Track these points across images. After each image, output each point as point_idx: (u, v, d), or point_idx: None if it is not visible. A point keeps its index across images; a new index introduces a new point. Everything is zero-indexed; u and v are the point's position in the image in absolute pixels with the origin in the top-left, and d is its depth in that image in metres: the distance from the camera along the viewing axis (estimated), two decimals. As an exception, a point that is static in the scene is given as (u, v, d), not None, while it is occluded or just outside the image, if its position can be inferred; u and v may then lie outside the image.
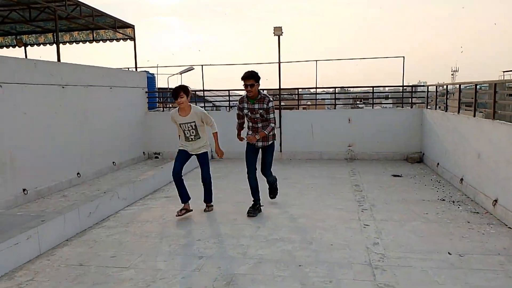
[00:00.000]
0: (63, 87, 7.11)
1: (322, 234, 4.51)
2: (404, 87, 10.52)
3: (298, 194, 6.25)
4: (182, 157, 5.22)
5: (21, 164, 6.12)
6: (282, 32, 9.71)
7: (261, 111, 5.02)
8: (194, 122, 5.07)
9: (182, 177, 5.24)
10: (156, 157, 10.36)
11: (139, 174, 7.40)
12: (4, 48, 12.94)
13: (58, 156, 6.94)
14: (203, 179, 5.31)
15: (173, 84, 17.70)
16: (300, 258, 3.86)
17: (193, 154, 5.29)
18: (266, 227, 4.77)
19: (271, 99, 5.08)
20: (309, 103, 16.77)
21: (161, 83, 17.37)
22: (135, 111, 9.93)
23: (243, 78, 4.94)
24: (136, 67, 11.15)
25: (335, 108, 10.62)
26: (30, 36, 12.45)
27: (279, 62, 10.19)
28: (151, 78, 11.54)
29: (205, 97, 13.50)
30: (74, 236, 4.57)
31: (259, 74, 5.00)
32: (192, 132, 5.13)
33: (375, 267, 3.62)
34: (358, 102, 20.33)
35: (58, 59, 8.43)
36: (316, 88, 11.27)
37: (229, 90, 10.82)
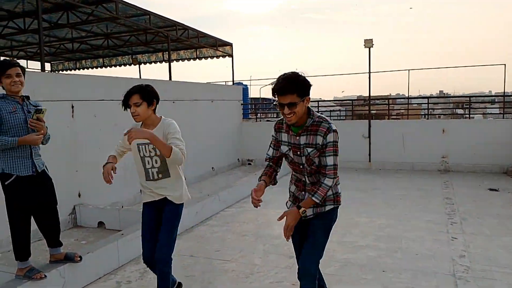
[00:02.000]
0: (173, 102, 8.17)
1: (408, 244, 4.70)
2: (506, 96, 9.96)
3: (386, 204, 6.41)
4: (150, 226, 3.16)
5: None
6: (373, 44, 9.85)
7: (310, 150, 2.57)
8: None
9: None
10: (249, 164, 11.13)
11: (235, 179, 8.16)
12: (122, 66, 14.93)
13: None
14: (156, 255, 3.06)
15: (265, 95, 18.56)
16: (385, 264, 4.12)
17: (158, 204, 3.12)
18: (353, 234, 5.08)
19: (334, 127, 2.60)
20: (402, 111, 16.44)
21: (253, 93, 18.33)
22: (231, 121, 10.83)
23: (274, 91, 2.51)
24: (233, 81, 12.11)
25: (427, 118, 10.41)
26: (143, 55, 14.20)
27: (369, 72, 10.33)
28: (244, 90, 12.43)
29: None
30: (184, 231, 5.35)
31: (307, 81, 2.51)
32: (155, 162, 3.00)
33: (459, 277, 3.76)
34: (457, 108, 19.30)
35: (170, 77, 9.65)
36: (408, 98, 11.15)
37: (318, 101, 11.21)
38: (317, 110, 11.39)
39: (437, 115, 14.25)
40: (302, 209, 2.59)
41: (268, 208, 6.37)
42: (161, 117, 3.07)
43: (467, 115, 10.45)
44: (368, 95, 10.43)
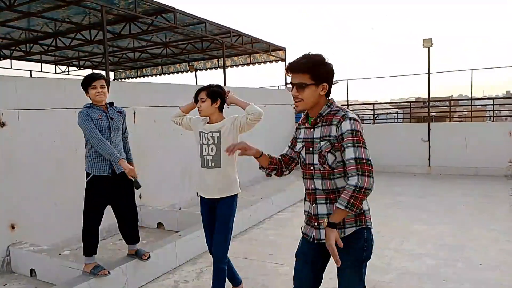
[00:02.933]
0: (228, 107, 8.36)
1: (470, 253, 4.47)
2: None
3: (447, 211, 6.12)
4: (209, 224, 3.26)
5: (194, 173, 7.43)
6: (432, 44, 9.48)
7: (322, 143, 2.08)
8: (220, 131, 3.11)
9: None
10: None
11: (288, 183, 8.15)
12: (180, 73, 15.51)
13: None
14: (214, 262, 3.16)
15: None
16: (445, 274, 3.95)
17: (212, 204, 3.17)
18: (411, 242, 4.91)
19: (355, 116, 2.06)
20: (465, 113, 15.61)
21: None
22: (284, 125, 10.87)
23: (288, 70, 2.10)
24: (286, 86, 12.15)
25: (493, 120, 9.81)
26: (199, 62, 14.66)
27: (428, 73, 9.93)
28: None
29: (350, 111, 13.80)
30: (238, 234, 5.46)
31: (329, 66, 2.11)
32: (212, 150, 3.10)
33: (528, 291, 3.52)
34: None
35: (224, 83, 9.89)
36: (471, 99, 10.59)
37: (374, 104, 10.95)
38: (372, 113, 11.13)
39: (503, 117, 13.37)
40: (324, 224, 2.02)
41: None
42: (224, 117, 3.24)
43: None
44: (427, 96, 10.04)
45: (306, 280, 2.25)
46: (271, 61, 12.98)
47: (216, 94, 3.16)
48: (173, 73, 15.67)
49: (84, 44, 11.00)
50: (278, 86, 12.65)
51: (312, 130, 2.15)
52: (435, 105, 12.20)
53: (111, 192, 3.56)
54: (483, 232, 5.13)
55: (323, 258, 2.21)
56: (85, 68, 15.30)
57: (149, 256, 3.93)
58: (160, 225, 5.92)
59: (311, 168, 2.14)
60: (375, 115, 11.60)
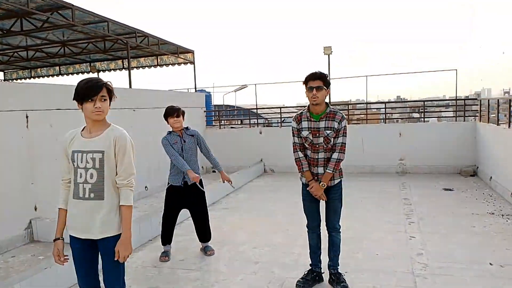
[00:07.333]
0: (134, 110, 8.03)
1: (369, 245, 4.84)
2: (458, 100, 10.48)
3: (348, 207, 6.44)
4: (85, 264, 2.51)
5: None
6: (332, 51, 10.14)
7: (328, 132, 3.46)
8: (103, 152, 2.37)
9: None
10: (213, 171, 11.06)
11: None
12: (80, 74, 14.50)
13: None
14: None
15: (228, 102, 18.60)
16: (346, 265, 4.20)
17: (91, 241, 2.46)
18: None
19: (344, 115, 3.55)
20: (362, 115, 16.94)
21: (216, 100, 18.31)
22: (195, 129, 10.74)
23: (307, 80, 3.44)
24: (195, 89, 12.05)
25: (385, 122, 10.77)
26: (102, 63, 13.87)
27: (329, 78, 10.59)
28: (207, 96, 12.40)
29: (259, 114, 14.16)
30: (147, 242, 5.25)
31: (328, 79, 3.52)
32: (91, 176, 2.37)
33: (417, 275, 3.91)
34: (413, 112, 20.12)
35: (130, 85, 9.47)
36: (366, 103, 11.52)
37: (280, 107, 11.36)
38: (280, 116, 11.53)
39: (395, 119, 14.78)
40: (323, 183, 3.56)
41: (233, 215, 6.41)
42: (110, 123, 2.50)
43: (423, 119, 10.92)
44: (329, 100, 10.68)
45: (314, 210, 3.80)
46: (179, 64, 12.77)
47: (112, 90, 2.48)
48: (72, 73, 14.59)
49: (-34, 40, 9.79)
50: (188, 89, 12.49)
51: (318, 122, 3.48)
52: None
53: (183, 199, 4.58)
54: (379, 224, 5.58)
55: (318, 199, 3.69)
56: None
57: (213, 253, 4.70)
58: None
59: (317, 146, 3.52)
60: (282, 119, 12.03)
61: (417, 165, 9.54)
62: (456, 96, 10.35)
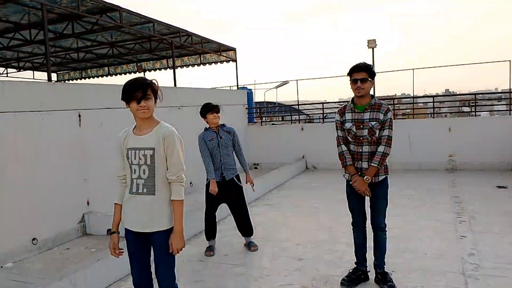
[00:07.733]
0: (179, 108, 8.23)
1: (416, 243, 4.69)
2: (512, 93, 9.90)
3: (394, 204, 6.31)
4: (138, 256, 2.63)
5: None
6: (376, 45, 9.89)
7: (373, 123, 3.33)
8: (153, 149, 2.45)
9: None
10: (256, 168, 11.13)
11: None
12: (127, 74, 15.04)
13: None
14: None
15: (270, 98, 18.63)
16: (393, 265, 4.11)
17: (144, 234, 2.55)
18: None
19: (390, 107, 3.40)
20: (408, 110, 16.41)
21: (258, 97, 18.42)
22: (237, 126, 10.81)
23: (351, 71, 3.35)
24: (237, 86, 12.16)
25: (433, 117, 10.38)
26: (148, 63, 14.31)
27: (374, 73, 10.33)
28: (249, 94, 12.47)
29: (300, 110, 14.06)
30: (192, 236, 5.38)
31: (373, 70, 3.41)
32: (143, 172, 2.47)
33: (469, 276, 3.75)
34: (463, 106, 19.22)
35: (175, 84, 9.72)
36: (413, 97, 11.14)
37: (322, 103, 11.23)
38: (322, 112, 11.40)
39: (443, 114, 14.19)
40: (368, 177, 3.41)
41: (275, 211, 6.43)
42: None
43: (473, 113, 10.42)
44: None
45: (360, 207, 3.69)
46: (222, 61, 12.93)
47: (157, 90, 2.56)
48: (120, 74, 15.17)
49: (24, 44, 10.40)
50: (230, 87, 12.64)
51: (362, 114, 3.37)
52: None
53: (222, 193, 4.56)
54: (427, 223, 5.40)
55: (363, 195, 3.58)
56: (25, 69, 14.46)
57: (257, 249, 4.71)
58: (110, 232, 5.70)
59: (361, 138, 3.40)
60: (325, 114, 11.89)
61: (468, 162, 9.12)
62: (510, 89, 9.75)
